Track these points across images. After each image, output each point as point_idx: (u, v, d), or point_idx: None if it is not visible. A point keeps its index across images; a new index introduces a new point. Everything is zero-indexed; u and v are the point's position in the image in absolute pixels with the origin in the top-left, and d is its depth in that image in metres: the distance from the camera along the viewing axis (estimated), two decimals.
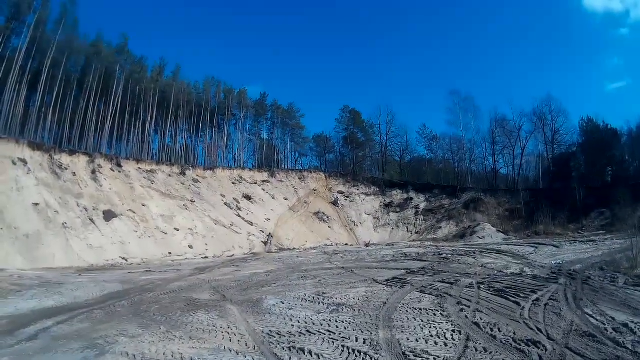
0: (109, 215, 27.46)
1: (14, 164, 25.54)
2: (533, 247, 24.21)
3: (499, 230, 36.58)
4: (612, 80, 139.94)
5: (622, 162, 44.51)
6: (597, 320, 7.86)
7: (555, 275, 13.43)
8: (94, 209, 27.30)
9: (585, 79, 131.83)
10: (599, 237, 27.76)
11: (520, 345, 6.38)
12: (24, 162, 26.28)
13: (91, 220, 26.17)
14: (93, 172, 31.76)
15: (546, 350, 6.14)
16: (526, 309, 8.74)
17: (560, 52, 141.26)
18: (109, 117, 40.61)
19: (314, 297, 10.66)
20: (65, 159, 30.83)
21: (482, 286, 11.44)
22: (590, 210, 36.66)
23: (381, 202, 49.36)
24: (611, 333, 7.03)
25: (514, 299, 9.64)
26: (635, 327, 7.23)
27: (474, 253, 22.33)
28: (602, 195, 37.09)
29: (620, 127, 46.37)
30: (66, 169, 29.72)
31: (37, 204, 23.61)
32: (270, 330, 7.60)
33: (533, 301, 9.42)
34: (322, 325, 7.92)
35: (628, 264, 14.20)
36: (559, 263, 17.07)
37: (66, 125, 37.12)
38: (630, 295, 10.16)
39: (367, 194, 50.94)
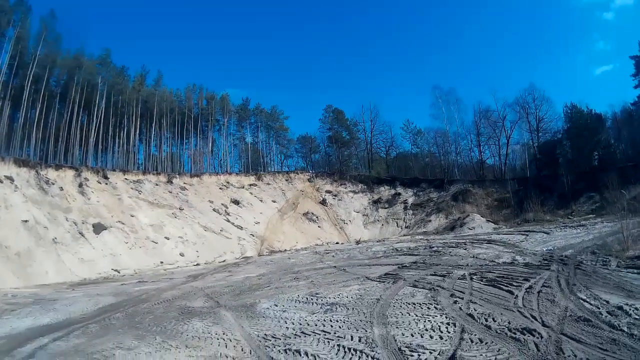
0: (98, 228, 27.20)
1: (1, 182, 25.28)
2: (523, 234, 24.26)
3: (488, 220, 36.68)
4: (599, 65, 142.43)
5: (608, 146, 44.67)
6: (591, 304, 7.90)
7: (547, 261, 13.50)
8: (83, 223, 27.05)
9: (572, 65, 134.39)
10: (589, 221, 27.82)
11: (515, 334, 6.39)
12: (11, 179, 26.03)
13: (81, 234, 25.91)
14: (80, 185, 31.52)
15: (542, 337, 6.15)
16: (520, 297, 8.77)
17: (546, 41, 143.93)
18: (93, 130, 40.31)
19: (307, 298, 10.62)
20: (51, 174, 30.63)
21: (474, 277, 11.48)
22: (579, 195, 36.88)
23: (369, 199, 49.52)
24: (606, 316, 7.06)
25: (507, 288, 9.66)
26: (630, 309, 7.25)
27: (465, 244, 22.30)
28: (590, 179, 37.37)
29: (604, 112, 46.99)
30: (53, 184, 29.47)
31: (26, 221, 23.30)
32: (265, 334, 7.55)
33: (526, 289, 9.45)
34: (316, 325, 7.89)
35: (619, 246, 14.27)
36: (550, 249, 17.17)
37: (51, 140, 36.76)
38: (623, 277, 10.21)
39: (354, 192, 51.09)
